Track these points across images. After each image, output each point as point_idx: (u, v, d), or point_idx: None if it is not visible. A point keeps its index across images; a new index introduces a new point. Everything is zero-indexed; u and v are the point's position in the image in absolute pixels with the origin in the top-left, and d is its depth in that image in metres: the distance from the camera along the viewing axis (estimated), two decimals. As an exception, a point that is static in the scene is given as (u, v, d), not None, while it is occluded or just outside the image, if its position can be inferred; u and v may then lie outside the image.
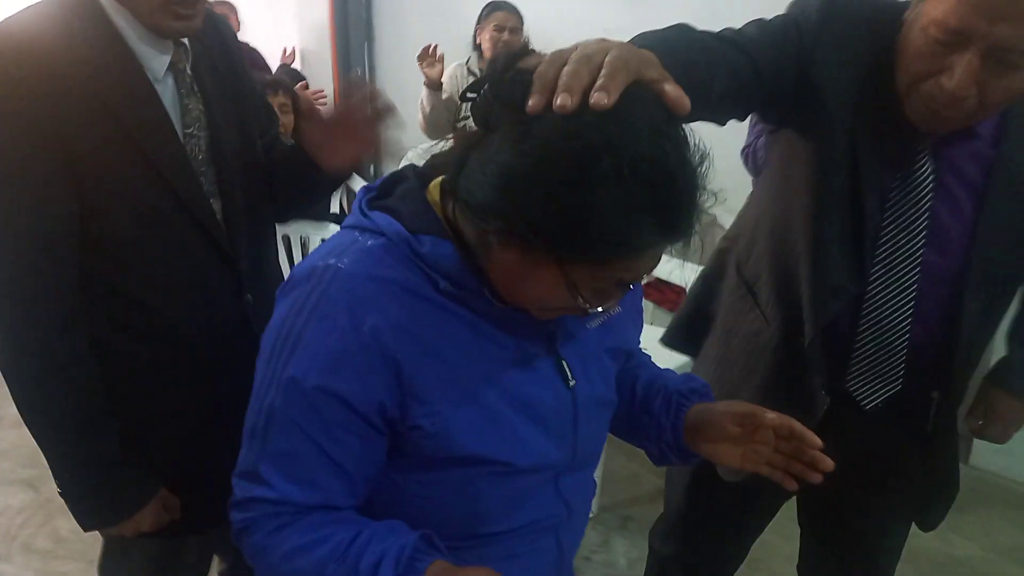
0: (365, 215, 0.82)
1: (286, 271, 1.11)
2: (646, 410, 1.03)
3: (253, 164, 1.29)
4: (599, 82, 0.65)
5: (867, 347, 1.23)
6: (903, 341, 1.21)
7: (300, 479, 0.80)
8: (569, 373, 0.89)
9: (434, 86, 3.10)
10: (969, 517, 2.69)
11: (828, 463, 0.89)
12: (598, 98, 0.64)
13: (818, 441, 0.90)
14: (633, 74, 0.67)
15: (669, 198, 0.67)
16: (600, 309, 0.78)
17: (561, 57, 0.67)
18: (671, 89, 0.69)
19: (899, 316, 1.19)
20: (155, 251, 1.14)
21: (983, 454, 2.96)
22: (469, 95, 0.74)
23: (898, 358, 1.23)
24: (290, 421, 0.78)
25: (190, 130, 1.15)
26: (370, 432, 0.80)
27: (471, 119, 0.75)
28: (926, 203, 1.14)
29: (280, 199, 1.35)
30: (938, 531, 2.54)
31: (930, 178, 1.13)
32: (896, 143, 1.12)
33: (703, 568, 1.68)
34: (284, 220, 1.46)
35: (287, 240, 2.97)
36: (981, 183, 1.14)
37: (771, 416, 0.91)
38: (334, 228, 2.84)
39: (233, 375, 1.22)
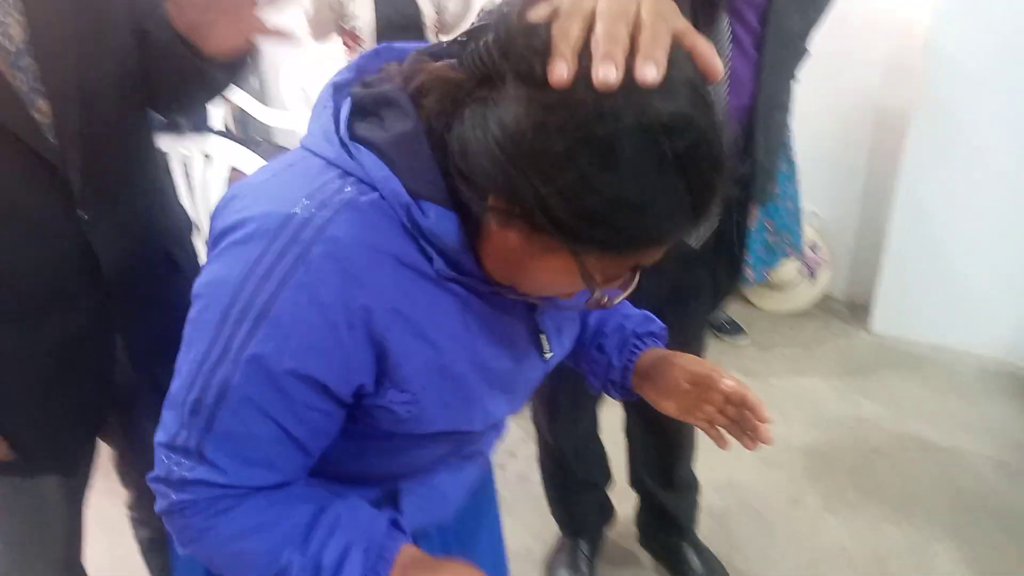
0: (348, 150, 0.66)
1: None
2: (598, 346, 0.99)
3: (106, 55, 1.09)
4: (644, 48, 0.53)
5: None
6: None
7: (254, 461, 0.69)
8: (547, 346, 0.82)
9: (316, -19, 2.88)
10: (872, 380, 2.84)
11: (770, 437, 0.86)
12: (646, 73, 0.53)
13: (767, 415, 0.86)
14: (671, 30, 0.56)
15: (711, 181, 0.58)
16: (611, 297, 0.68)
17: (583, 7, 0.55)
18: (704, 48, 0.58)
19: None
20: None
21: (882, 321, 3.10)
22: (460, 39, 0.61)
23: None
24: (248, 401, 0.66)
25: None
26: (337, 409, 0.71)
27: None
28: (728, 53, 1.27)
29: (160, 92, 1.17)
30: (844, 395, 2.72)
31: (729, 29, 1.26)
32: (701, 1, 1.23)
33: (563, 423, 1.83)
34: (166, 115, 1.28)
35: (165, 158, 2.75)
36: (758, 30, 1.29)
37: (728, 383, 0.87)
38: (217, 140, 2.63)
39: (72, 307, 1.10)
